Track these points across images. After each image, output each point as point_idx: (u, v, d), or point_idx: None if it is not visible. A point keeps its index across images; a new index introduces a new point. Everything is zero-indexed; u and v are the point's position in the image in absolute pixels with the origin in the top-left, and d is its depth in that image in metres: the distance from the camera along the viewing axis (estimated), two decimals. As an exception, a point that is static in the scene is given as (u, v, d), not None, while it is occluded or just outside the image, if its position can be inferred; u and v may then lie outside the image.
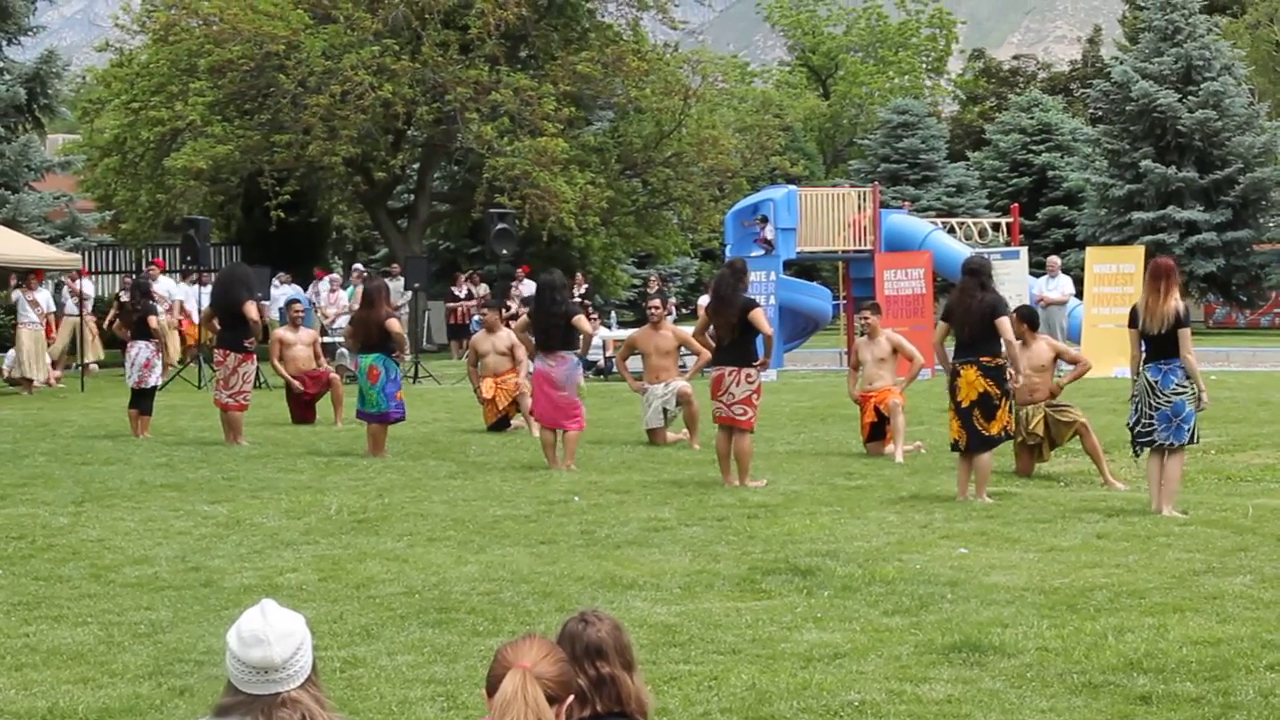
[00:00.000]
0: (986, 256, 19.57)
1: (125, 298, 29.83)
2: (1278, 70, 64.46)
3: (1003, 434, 14.26)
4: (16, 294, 29.87)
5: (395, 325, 18.59)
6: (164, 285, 32.56)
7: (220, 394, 19.36)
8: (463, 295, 40.57)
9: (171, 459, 17.69)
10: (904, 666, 8.23)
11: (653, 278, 41.51)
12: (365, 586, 10.39)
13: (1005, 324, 14.27)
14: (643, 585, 10.32)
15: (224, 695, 4.46)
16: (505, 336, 21.08)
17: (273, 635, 4.37)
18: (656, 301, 20.27)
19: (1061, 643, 8.63)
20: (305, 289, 37.16)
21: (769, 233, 32.60)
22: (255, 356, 19.83)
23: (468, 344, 24.72)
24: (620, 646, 4.79)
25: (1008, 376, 14.23)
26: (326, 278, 37.92)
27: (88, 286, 32.54)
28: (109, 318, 29.32)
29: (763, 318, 15.44)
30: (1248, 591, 9.93)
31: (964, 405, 14.13)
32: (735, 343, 15.25)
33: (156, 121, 39.87)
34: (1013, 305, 15.84)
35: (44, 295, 30.34)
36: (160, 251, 41.51)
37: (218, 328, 19.83)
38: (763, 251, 32.12)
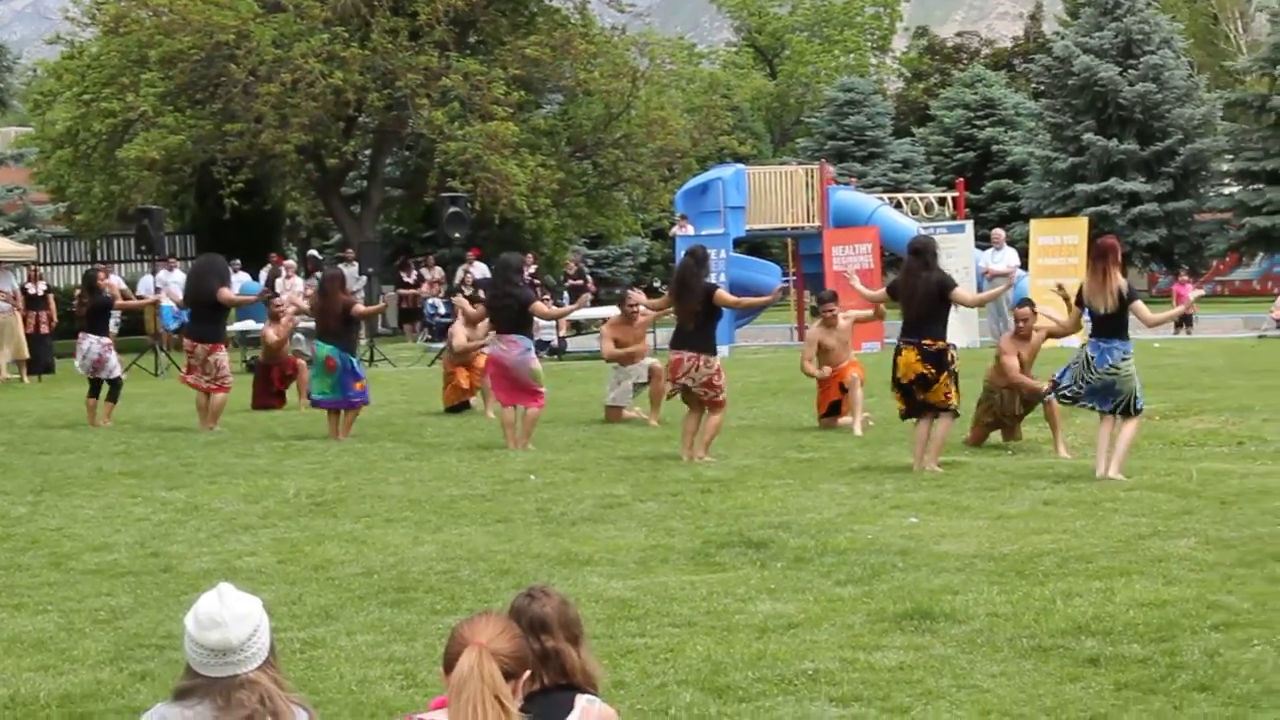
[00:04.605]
0: (932, 235, 19.58)
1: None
2: (1215, 43, 64.74)
3: (946, 405, 14.21)
4: None
5: (361, 309, 18.62)
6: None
7: (198, 379, 19.18)
8: (412, 280, 40.50)
9: (129, 446, 17.60)
10: (856, 635, 8.26)
11: (571, 259, 41.30)
12: (324, 568, 10.37)
13: (963, 293, 14.40)
14: (599, 561, 10.33)
15: (183, 678, 4.46)
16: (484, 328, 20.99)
17: (229, 617, 4.37)
18: (638, 297, 20.20)
19: (1011, 608, 8.67)
20: (256, 277, 36.99)
21: (688, 229, 32.61)
22: (224, 346, 19.65)
23: (423, 330, 24.31)
24: (566, 620, 4.80)
25: (950, 359, 14.23)
26: (283, 264, 37.76)
27: None
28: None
29: (727, 295, 15.85)
30: (1192, 554, 9.99)
31: (902, 381, 14.23)
32: (697, 330, 15.30)
33: (108, 113, 39.60)
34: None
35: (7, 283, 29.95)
36: (115, 242, 41.21)
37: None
38: (681, 232, 32.36)
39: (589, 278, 40.99)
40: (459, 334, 20.85)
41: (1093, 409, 13.57)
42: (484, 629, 4.36)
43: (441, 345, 21.60)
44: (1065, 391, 13.70)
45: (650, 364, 19.38)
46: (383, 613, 9.06)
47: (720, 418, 15.44)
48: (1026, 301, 16.56)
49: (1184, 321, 33.45)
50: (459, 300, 22.12)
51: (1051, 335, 16.18)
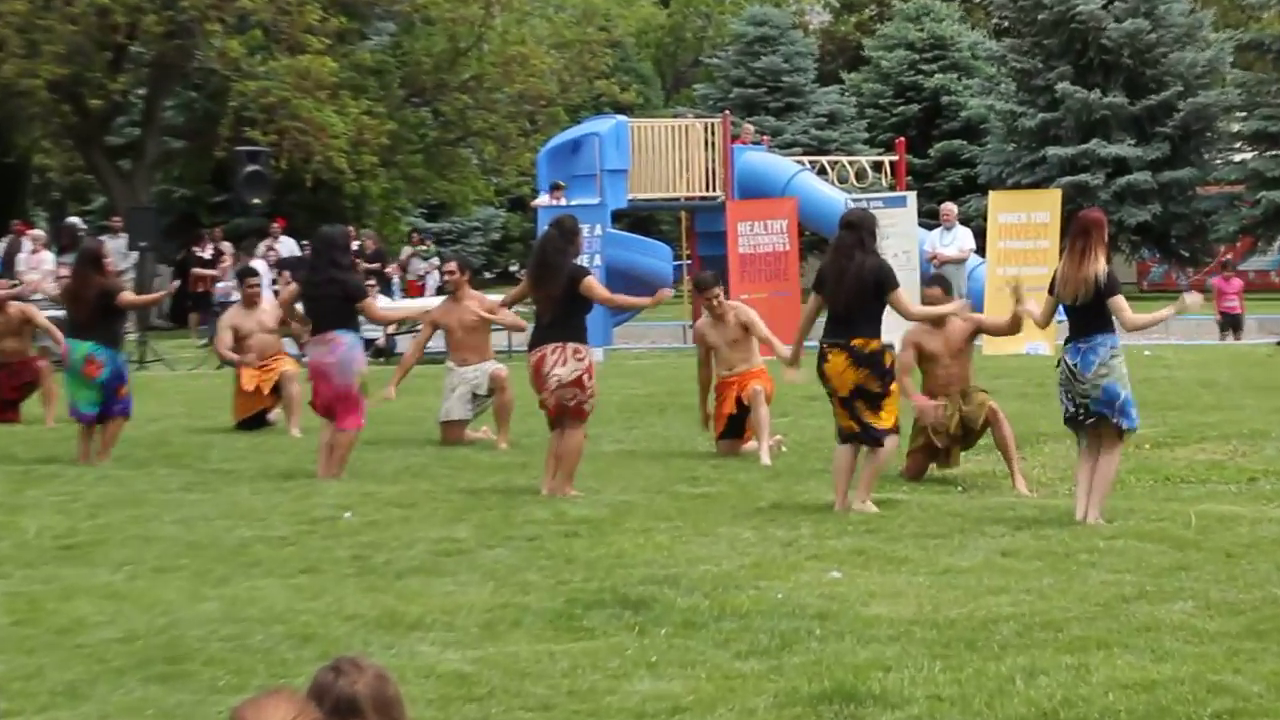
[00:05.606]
0: (868, 207, 19.72)
1: None
2: (1224, -30, 65.53)
3: (895, 428, 14.24)
4: None
5: (129, 297, 18.43)
6: None
7: None
8: (209, 257, 40.22)
9: None
10: (761, 723, 8.25)
11: (367, 237, 41.02)
12: (72, 632, 10.25)
13: (907, 302, 14.38)
14: (431, 624, 10.28)
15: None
16: (270, 310, 20.90)
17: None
18: (453, 265, 20.16)
19: (958, 689, 8.68)
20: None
21: (561, 200, 32.58)
22: None
23: (213, 322, 24.15)
24: (382, 702, 4.77)
25: (888, 363, 14.19)
26: (28, 234, 37.39)
27: None
28: None
29: (597, 286, 15.65)
30: (1189, 621, 10.04)
31: (842, 395, 14.12)
32: (559, 319, 15.18)
33: None
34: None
35: None
36: None
37: None
38: (550, 203, 32.24)
39: (427, 262, 40.90)
40: (243, 321, 20.82)
41: (1098, 420, 13.43)
42: (274, 712, 4.32)
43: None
44: (1079, 420, 13.60)
45: (492, 370, 19.25)
46: (147, 690, 8.97)
47: (581, 434, 15.35)
48: (938, 280, 16.68)
49: (1231, 325, 33.94)
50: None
51: (986, 331, 16.29)
